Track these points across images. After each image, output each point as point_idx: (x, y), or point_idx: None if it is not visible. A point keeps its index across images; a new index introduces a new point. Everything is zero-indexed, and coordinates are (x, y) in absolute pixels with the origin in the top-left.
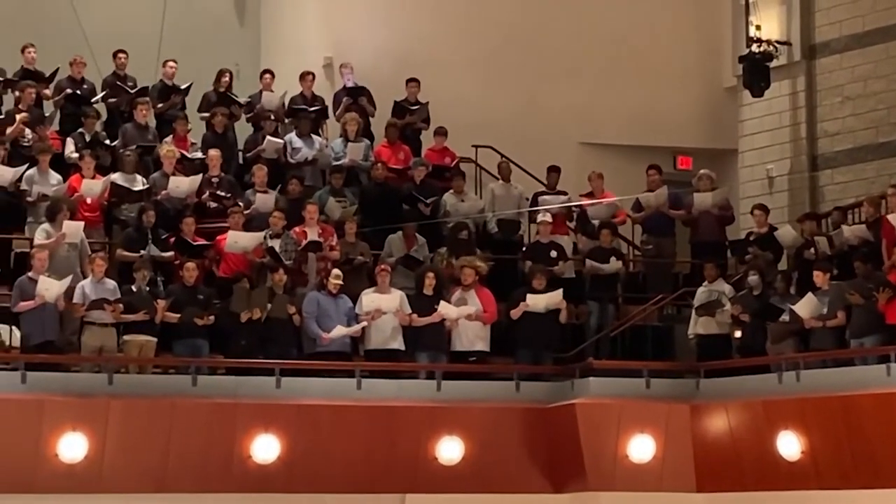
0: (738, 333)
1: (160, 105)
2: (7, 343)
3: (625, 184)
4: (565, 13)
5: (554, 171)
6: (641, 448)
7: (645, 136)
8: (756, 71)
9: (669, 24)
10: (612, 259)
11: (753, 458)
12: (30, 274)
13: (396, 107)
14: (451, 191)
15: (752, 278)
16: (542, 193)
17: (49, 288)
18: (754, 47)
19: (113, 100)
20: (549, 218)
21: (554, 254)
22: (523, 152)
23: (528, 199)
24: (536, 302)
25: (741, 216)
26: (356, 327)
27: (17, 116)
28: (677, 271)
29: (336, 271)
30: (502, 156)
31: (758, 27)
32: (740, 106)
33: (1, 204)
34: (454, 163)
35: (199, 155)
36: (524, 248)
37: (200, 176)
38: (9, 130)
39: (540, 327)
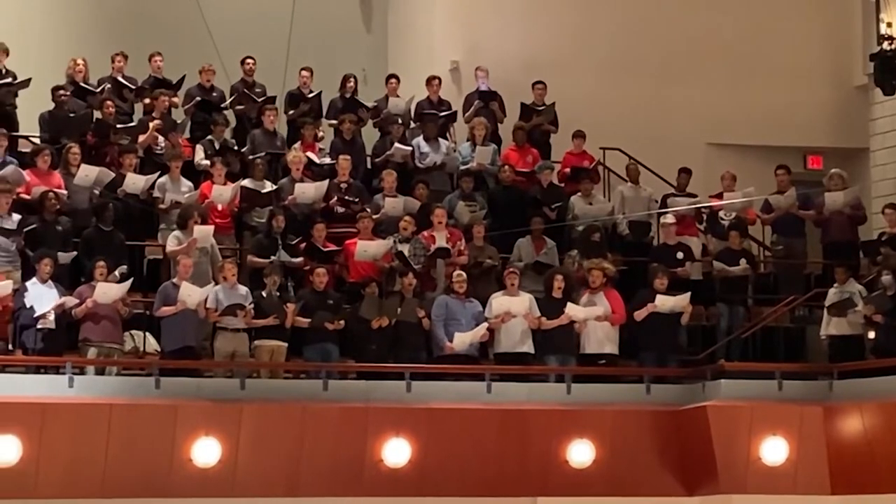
0: (871, 334)
1: (290, 112)
2: (141, 349)
3: (754, 184)
4: (693, 12)
5: (685, 172)
6: (774, 450)
7: (774, 135)
8: (887, 69)
9: (798, 21)
10: (742, 261)
11: (889, 460)
12: (173, 280)
13: (523, 109)
14: (580, 193)
15: (885, 278)
16: (672, 195)
17: (191, 294)
18: (885, 45)
19: (241, 107)
20: (672, 220)
21: (680, 255)
22: (651, 154)
23: (657, 201)
24: (663, 303)
25: (873, 216)
26: (478, 331)
27: (150, 124)
28: (809, 272)
29: (459, 272)
30: (630, 158)
31: (889, 24)
32: (871, 104)
33: (133, 211)
34: (592, 165)
35: (328, 160)
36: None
37: (327, 182)
38: (141, 138)
39: (664, 329)
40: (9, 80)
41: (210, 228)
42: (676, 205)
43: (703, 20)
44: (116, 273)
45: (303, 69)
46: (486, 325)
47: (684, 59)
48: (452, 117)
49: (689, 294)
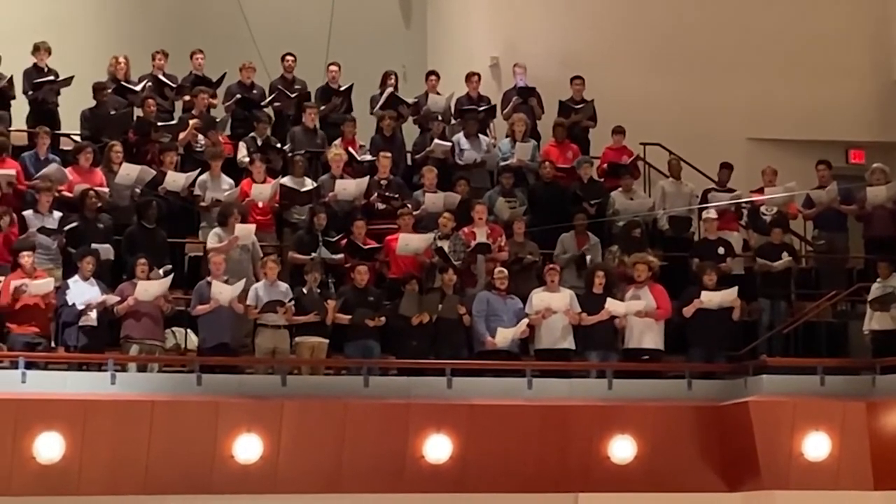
0: None
1: (322, 107)
2: (182, 346)
3: (795, 179)
4: (731, 7)
5: (726, 167)
6: (817, 446)
7: (815, 130)
8: None
9: (839, 16)
10: (784, 255)
11: None
12: (208, 278)
13: (562, 106)
14: (620, 189)
15: None
16: (713, 190)
17: (222, 292)
18: None
19: (279, 104)
20: (714, 215)
21: (722, 251)
22: (691, 149)
23: (697, 197)
24: (710, 299)
25: None
26: (519, 327)
27: (190, 122)
28: (851, 267)
29: (500, 268)
30: (671, 153)
31: None
32: None
33: (174, 209)
34: (631, 160)
35: (368, 157)
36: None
37: (367, 178)
38: (181, 136)
39: (713, 325)
40: (51, 78)
41: (252, 227)
42: (717, 200)
43: (743, 15)
44: (160, 271)
45: (330, 64)
46: (527, 321)
47: (724, 54)
48: (492, 113)
49: (735, 289)
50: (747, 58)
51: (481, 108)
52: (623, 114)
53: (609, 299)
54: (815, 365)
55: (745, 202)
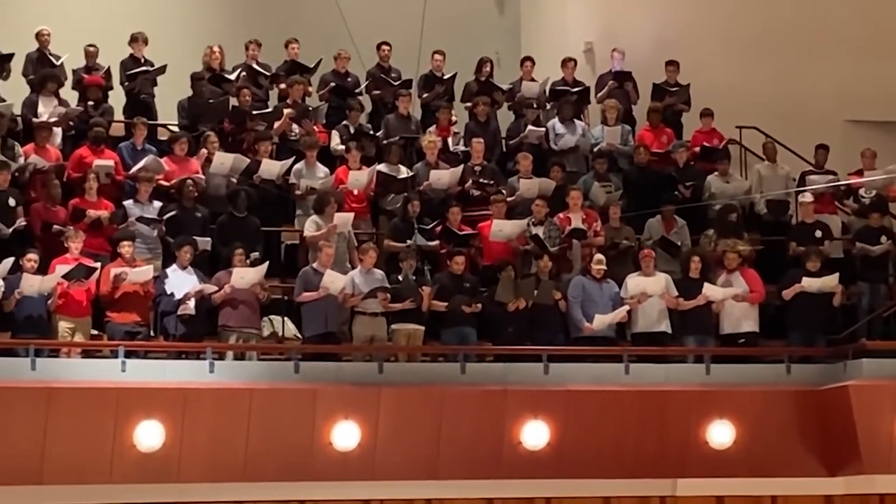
0: None
1: (425, 95)
2: (280, 334)
3: (894, 162)
4: None
5: (822, 149)
6: None
7: None
8: None
9: None
10: (883, 239)
11: None
12: (314, 266)
13: (656, 89)
14: (716, 173)
15: None
16: (810, 173)
17: (334, 281)
18: None
19: (377, 92)
20: (810, 198)
21: (819, 234)
22: (788, 132)
23: (794, 179)
24: (811, 284)
25: None
26: (618, 313)
27: (284, 111)
28: None
29: (599, 256)
30: (767, 136)
31: None
32: None
33: (270, 197)
34: (722, 144)
35: (462, 146)
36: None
37: (461, 167)
38: (276, 125)
39: (813, 309)
40: (146, 68)
41: (350, 215)
42: (814, 183)
43: None
44: (250, 259)
45: (435, 52)
46: (626, 307)
47: (821, 35)
48: (586, 98)
49: (837, 275)
50: (844, 38)
51: (575, 91)
52: (718, 98)
53: (706, 284)
54: None
55: (843, 184)
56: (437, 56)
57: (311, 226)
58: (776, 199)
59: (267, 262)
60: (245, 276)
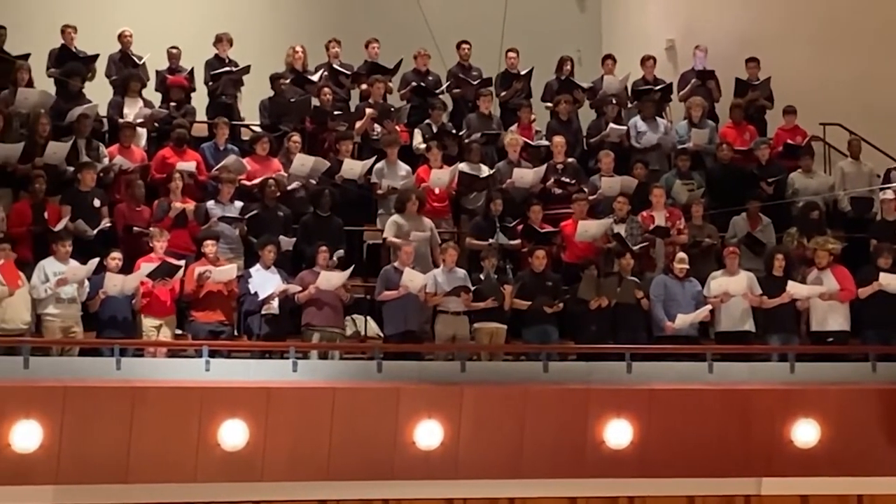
0: None
1: (503, 93)
2: (362, 333)
3: None
4: None
5: None
6: None
7: None
8: None
9: None
10: None
11: None
12: (395, 264)
13: (738, 84)
14: (800, 170)
15: None
16: (895, 169)
17: (413, 279)
18: None
19: (458, 90)
20: (891, 196)
21: None
22: (871, 127)
23: (879, 176)
24: (888, 282)
25: None
26: (700, 313)
27: (366, 111)
28: None
29: (681, 255)
30: (851, 133)
31: None
32: None
33: (351, 197)
34: (805, 141)
35: (544, 142)
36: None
37: (544, 167)
38: (358, 125)
39: (890, 307)
40: (229, 68)
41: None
42: None
43: None
44: (334, 258)
45: (509, 50)
46: (709, 307)
47: None
48: (668, 95)
49: None
50: None
51: (657, 88)
52: (800, 94)
53: (790, 282)
54: None
55: None
56: (510, 54)
57: (391, 225)
58: (860, 196)
59: (353, 266)
60: (331, 278)
